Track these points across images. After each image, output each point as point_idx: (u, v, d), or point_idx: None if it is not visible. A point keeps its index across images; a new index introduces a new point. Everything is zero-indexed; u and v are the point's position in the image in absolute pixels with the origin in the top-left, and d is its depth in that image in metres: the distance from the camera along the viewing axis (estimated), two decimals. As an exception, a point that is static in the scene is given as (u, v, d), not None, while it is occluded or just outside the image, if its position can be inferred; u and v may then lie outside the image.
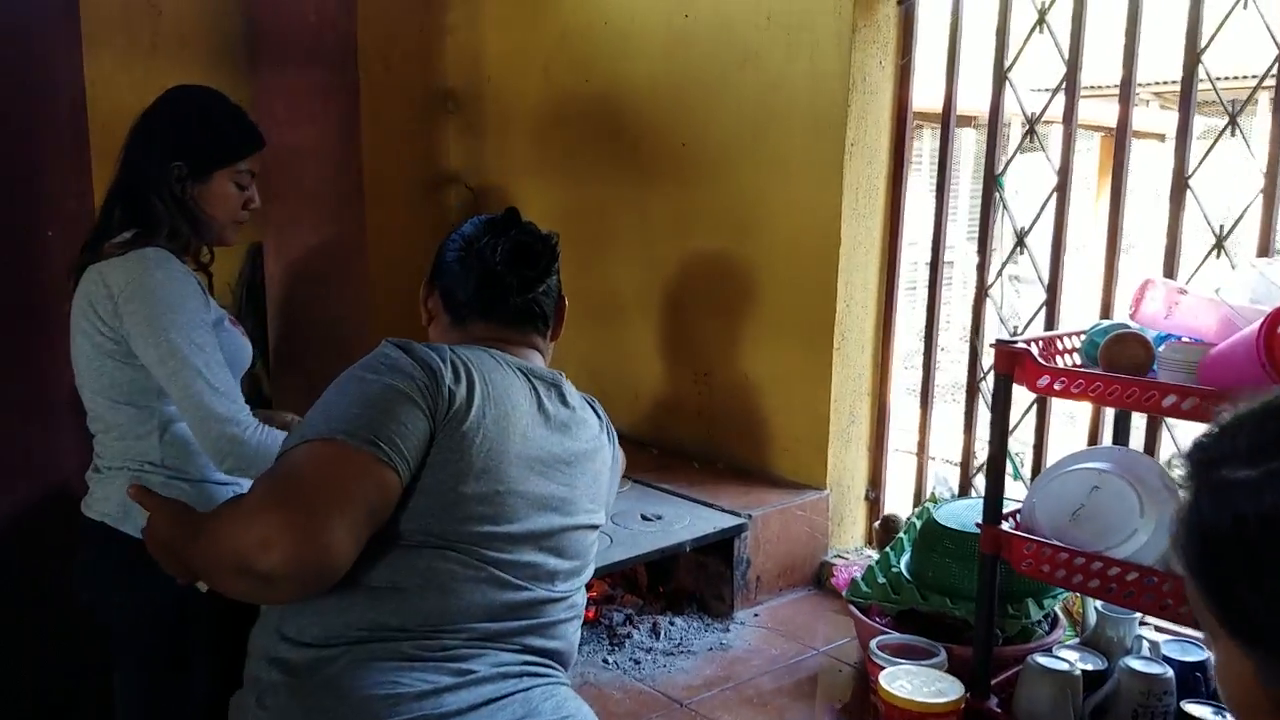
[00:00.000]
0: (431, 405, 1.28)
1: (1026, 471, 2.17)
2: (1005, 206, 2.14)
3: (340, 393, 1.28)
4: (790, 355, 2.37)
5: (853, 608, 1.91)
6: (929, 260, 2.32)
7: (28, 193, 2.51)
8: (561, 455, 1.40)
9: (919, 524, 1.98)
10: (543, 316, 1.49)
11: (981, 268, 2.22)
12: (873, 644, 1.73)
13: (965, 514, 1.86)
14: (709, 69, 2.47)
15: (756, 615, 2.19)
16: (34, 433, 2.56)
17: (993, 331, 2.13)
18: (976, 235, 2.29)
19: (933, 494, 2.29)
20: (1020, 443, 2.19)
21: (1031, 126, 2.06)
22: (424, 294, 1.53)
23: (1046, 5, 2.02)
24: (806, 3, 2.24)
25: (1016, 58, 2.09)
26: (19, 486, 2.56)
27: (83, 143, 2.56)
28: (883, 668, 1.65)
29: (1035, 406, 2.09)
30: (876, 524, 2.31)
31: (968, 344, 2.28)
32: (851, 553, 2.39)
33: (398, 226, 3.13)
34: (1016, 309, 5.19)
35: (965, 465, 2.25)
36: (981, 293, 2.21)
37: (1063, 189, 2.03)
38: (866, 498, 2.42)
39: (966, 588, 1.78)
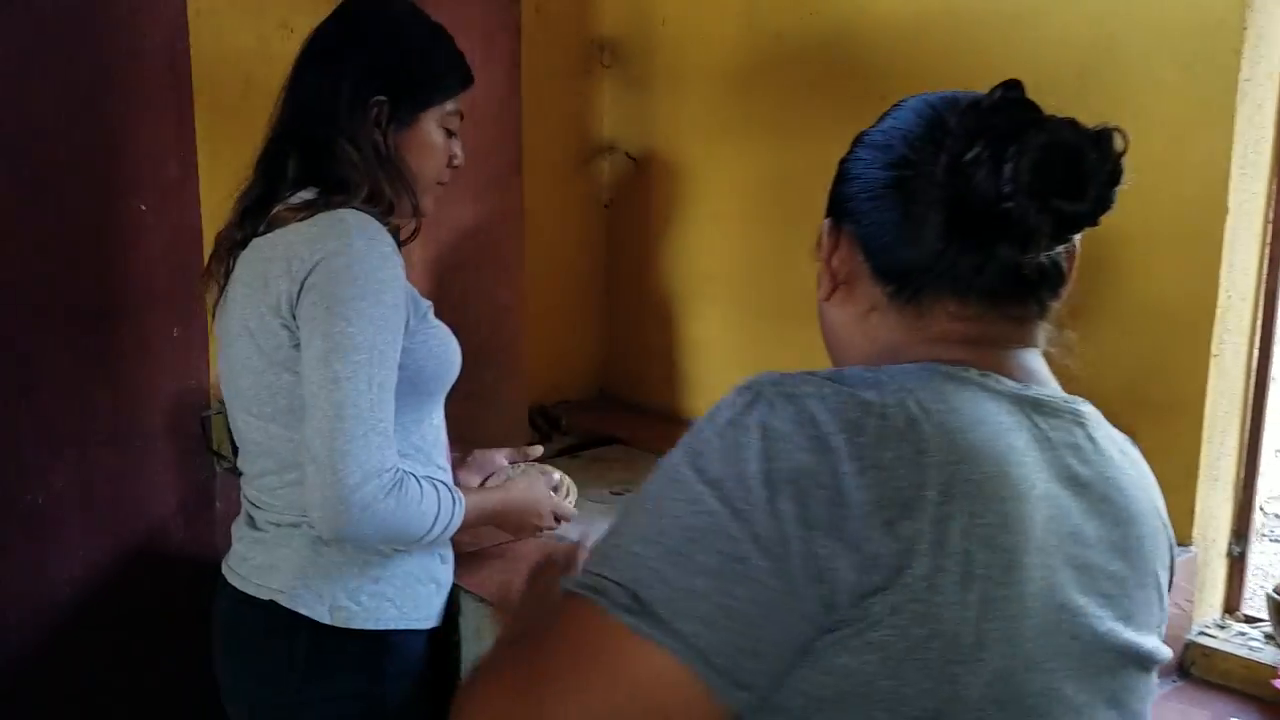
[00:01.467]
0: (844, 531, 0.67)
1: None
2: None
3: (639, 502, 0.74)
4: (1141, 361, 1.77)
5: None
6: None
7: (112, 154, 1.96)
8: (1106, 564, 0.78)
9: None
10: (1060, 279, 0.85)
11: None
12: None
13: None
14: (1009, -10, 1.89)
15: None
16: (122, 467, 2.01)
17: None
18: None
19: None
20: None
21: None
22: (825, 246, 0.90)
23: None
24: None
25: None
26: (105, 532, 2.02)
27: (184, 89, 2.02)
28: None
29: None
30: (1274, 591, 1.71)
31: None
32: (1212, 627, 1.79)
33: (549, 205, 2.56)
34: None
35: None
36: None
37: None
38: (1230, 554, 1.82)
39: None
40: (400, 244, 1.44)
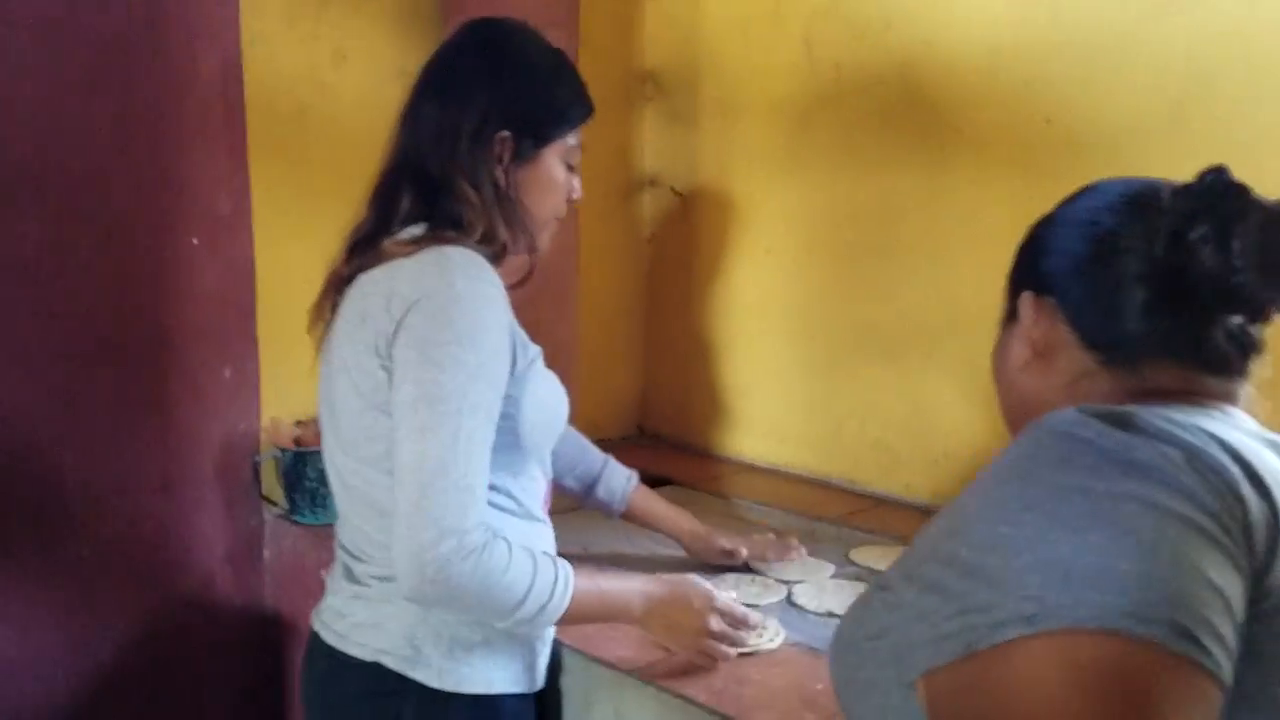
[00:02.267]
0: (1241, 549, 0.72)
1: None
2: None
3: (1058, 523, 0.71)
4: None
5: None
6: None
7: (163, 186, 1.87)
8: None
9: None
10: (1263, 345, 0.90)
11: None
12: None
13: None
14: (1096, 20, 1.85)
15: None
16: (170, 515, 1.91)
17: None
18: None
19: None
20: None
21: None
22: (1028, 317, 0.94)
23: None
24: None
25: None
26: (151, 584, 1.91)
27: (237, 120, 1.93)
28: None
29: None
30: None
31: None
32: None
33: (591, 239, 2.49)
34: None
35: None
36: None
37: None
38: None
39: None
40: (514, 286, 1.36)
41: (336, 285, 1.36)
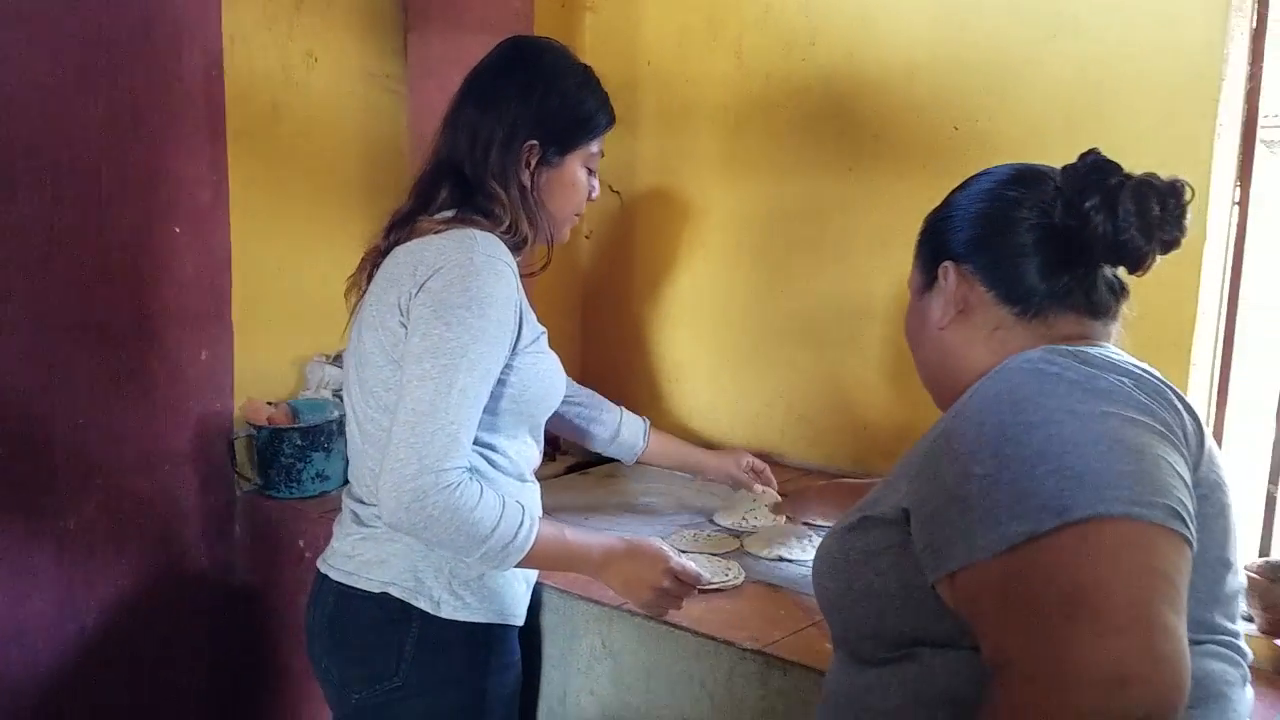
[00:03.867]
0: (1184, 442, 0.95)
1: None
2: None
3: (1059, 439, 0.89)
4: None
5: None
6: None
7: (149, 177, 1.98)
8: None
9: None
10: (1126, 291, 1.15)
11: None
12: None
13: None
14: (999, 41, 2.11)
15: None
16: (151, 491, 2.01)
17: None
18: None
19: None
20: None
21: None
22: (946, 280, 1.16)
23: None
24: (1157, -39, 1.91)
25: None
26: (133, 556, 2.01)
27: (218, 115, 2.05)
28: None
29: None
30: (1246, 570, 1.94)
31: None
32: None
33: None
34: None
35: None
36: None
37: None
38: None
39: None
40: (532, 274, 1.56)
41: (374, 258, 1.51)
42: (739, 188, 2.54)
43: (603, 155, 1.62)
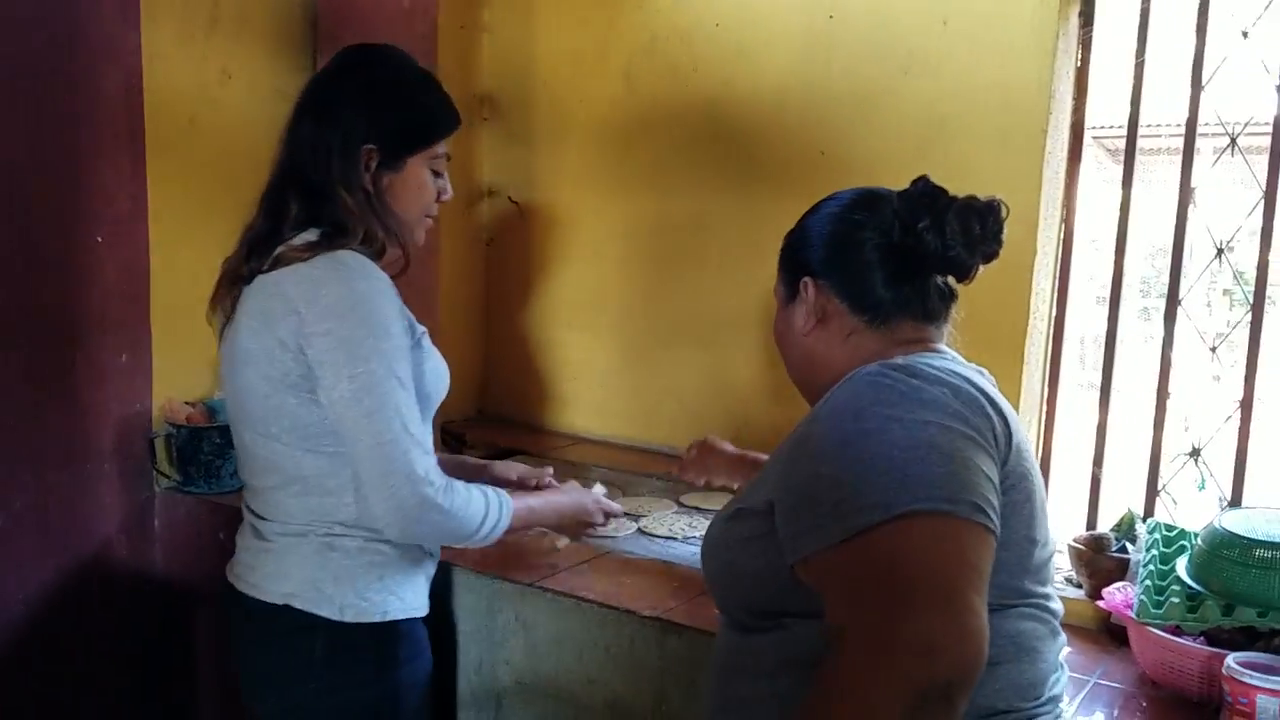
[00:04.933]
0: (993, 444, 1.11)
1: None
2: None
3: (887, 444, 1.05)
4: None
5: (1154, 630, 1.82)
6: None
7: (71, 188, 2.08)
8: None
9: (1177, 538, 1.94)
10: (955, 295, 1.33)
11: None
12: (1231, 661, 1.66)
13: (1259, 523, 1.83)
14: (860, 75, 2.36)
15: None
16: (74, 487, 2.11)
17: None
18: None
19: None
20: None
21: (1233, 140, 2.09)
22: (807, 294, 1.30)
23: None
24: (994, 8, 2.19)
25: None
26: (57, 551, 2.10)
27: (138, 130, 2.17)
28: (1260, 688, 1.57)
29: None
30: (1073, 542, 2.24)
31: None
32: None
33: (435, 242, 2.80)
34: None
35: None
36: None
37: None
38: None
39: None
40: (393, 277, 1.55)
41: (234, 281, 1.55)
42: (628, 200, 2.74)
43: (449, 158, 1.63)
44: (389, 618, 1.56)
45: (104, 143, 2.09)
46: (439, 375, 1.64)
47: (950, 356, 1.27)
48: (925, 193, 1.26)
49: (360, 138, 1.52)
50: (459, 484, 1.50)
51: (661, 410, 2.75)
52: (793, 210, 2.53)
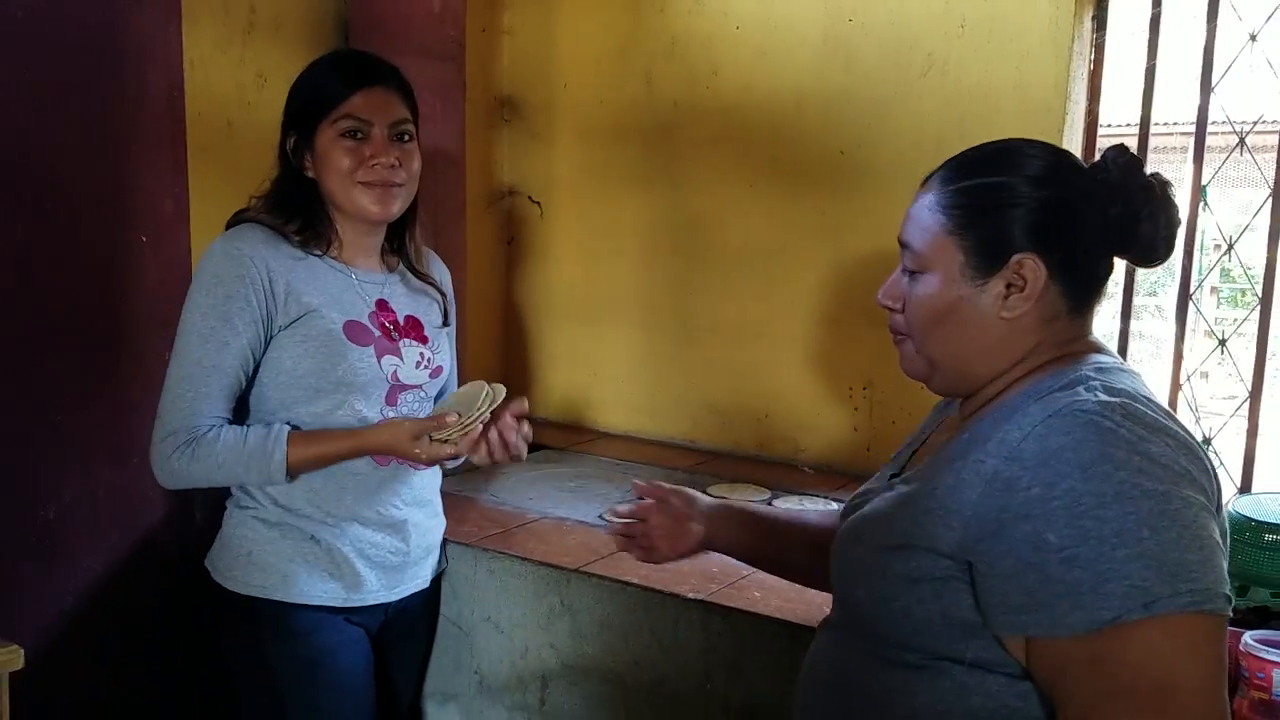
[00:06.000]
0: (1215, 501, 1.02)
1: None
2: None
3: (1134, 521, 0.93)
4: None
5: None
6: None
7: (117, 189, 2.13)
8: None
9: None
10: None
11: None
12: (1248, 638, 1.73)
13: (1270, 508, 1.91)
14: (878, 77, 2.43)
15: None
16: (121, 480, 2.17)
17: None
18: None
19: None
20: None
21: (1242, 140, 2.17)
22: (1027, 272, 1.08)
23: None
24: (1010, 12, 2.26)
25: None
26: (106, 544, 2.18)
27: (180, 132, 2.21)
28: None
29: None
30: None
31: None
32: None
33: (461, 243, 2.86)
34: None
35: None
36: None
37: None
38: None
39: None
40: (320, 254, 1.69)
41: None
42: (649, 201, 2.81)
43: (370, 123, 1.63)
44: (249, 593, 1.68)
45: (148, 145, 2.14)
46: (319, 356, 1.63)
47: (1120, 363, 1.12)
48: (1137, 168, 1.11)
49: (283, 131, 1.71)
50: (213, 432, 1.60)
51: (683, 405, 2.81)
52: (813, 208, 2.61)
